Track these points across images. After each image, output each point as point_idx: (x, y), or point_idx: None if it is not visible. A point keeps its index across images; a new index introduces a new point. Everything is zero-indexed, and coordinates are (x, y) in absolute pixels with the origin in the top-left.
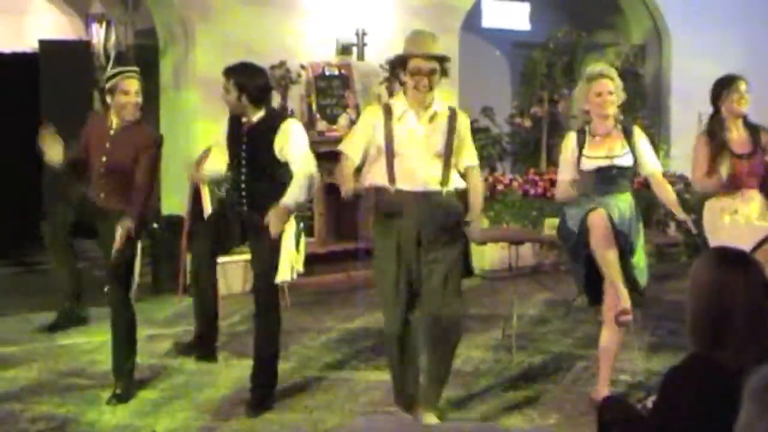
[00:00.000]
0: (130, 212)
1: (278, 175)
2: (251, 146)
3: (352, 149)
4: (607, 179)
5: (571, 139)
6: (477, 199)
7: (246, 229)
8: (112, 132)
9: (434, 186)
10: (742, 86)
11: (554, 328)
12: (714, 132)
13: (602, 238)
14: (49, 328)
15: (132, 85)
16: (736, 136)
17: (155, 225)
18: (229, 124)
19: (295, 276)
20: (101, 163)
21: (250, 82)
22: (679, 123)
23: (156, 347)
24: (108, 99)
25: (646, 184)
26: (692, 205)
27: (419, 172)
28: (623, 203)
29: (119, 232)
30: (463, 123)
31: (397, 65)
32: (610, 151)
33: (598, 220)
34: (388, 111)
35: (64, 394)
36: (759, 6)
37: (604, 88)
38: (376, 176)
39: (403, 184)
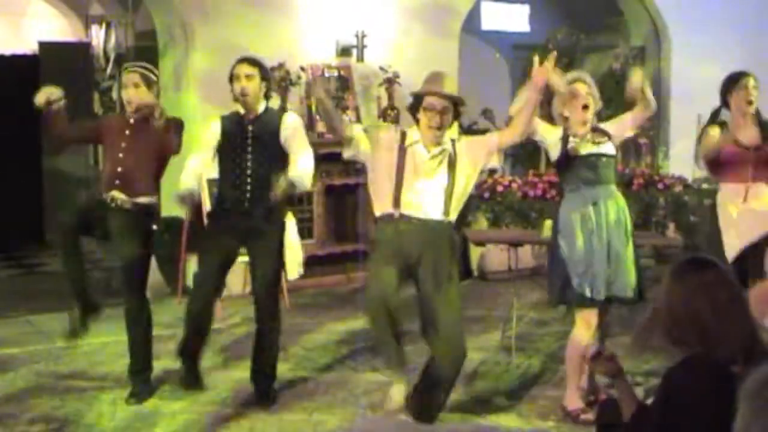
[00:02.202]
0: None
1: (283, 165)
2: (258, 136)
3: (360, 127)
4: (594, 167)
5: (556, 132)
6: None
7: (245, 233)
8: (127, 132)
9: (436, 216)
10: (750, 82)
11: (553, 329)
12: (718, 123)
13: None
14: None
15: (129, 79)
16: (744, 129)
17: (154, 227)
18: (224, 124)
19: (299, 273)
20: (118, 159)
21: (269, 74)
22: (679, 125)
23: (156, 349)
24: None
25: (645, 185)
26: (691, 208)
27: (423, 201)
28: (611, 202)
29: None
30: (462, 145)
31: (414, 102)
32: (594, 138)
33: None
34: (403, 136)
35: (64, 396)
36: (758, 7)
37: (580, 91)
38: (383, 201)
39: (407, 210)
